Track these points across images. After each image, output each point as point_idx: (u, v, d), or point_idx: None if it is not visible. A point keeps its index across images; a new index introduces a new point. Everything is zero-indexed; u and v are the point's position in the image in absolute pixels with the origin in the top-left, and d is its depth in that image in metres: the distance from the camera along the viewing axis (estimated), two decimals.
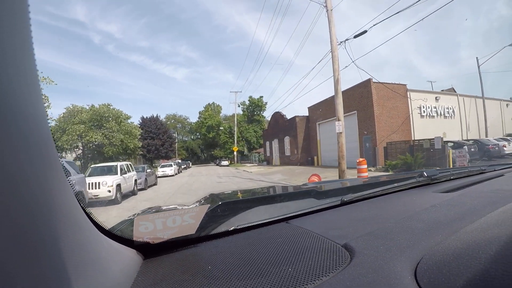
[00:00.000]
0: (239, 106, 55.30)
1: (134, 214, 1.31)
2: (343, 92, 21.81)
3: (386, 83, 18.43)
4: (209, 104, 74.43)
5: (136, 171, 14.82)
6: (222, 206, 1.03)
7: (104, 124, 26.22)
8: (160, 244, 0.74)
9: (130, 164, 13.59)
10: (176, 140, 78.45)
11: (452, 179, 1.61)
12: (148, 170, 16.37)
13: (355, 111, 19.34)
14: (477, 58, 24.43)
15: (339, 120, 10.74)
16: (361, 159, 11.76)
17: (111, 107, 27.38)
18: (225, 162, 49.88)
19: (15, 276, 0.31)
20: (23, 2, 0.37)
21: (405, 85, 19.20)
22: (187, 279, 0.59)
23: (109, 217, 7.47)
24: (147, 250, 0.75)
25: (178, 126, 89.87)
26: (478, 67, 24.35)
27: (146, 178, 15.00)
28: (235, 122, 52.56)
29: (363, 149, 18.79)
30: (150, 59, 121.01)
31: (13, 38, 0.35)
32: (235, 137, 51.97)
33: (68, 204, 0.46)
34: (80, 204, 0.54)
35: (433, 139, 14.25)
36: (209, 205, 0.94)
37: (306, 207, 1.07)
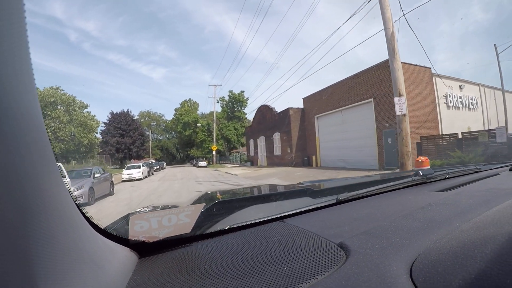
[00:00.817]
0: (218, 102, 50.51)
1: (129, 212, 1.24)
2: (354, 76, 17.94)
3: (411, 64, 14.76)
4: (185, 100, 67.45)
5: (77, 178, 10.10)
6: (217, 205, 1.02)
7: (49, 113, 19.72)
8: (156, 243, 0.73)
9: (58, 167, 8.79)
10: (150, 139, 72.65)
11: (447, 178, 1.60)
12: (98, 175, 11.35)
13: (371, 99, 15.54)
14: (495, 45, 21.59)
15: (400, 95, 6.67)
16: (422, 157, 7.81)
17: (61, 91, 21.13)
18: (203, 163, 44.59)
19: (9, 275, 0.31)
20: (18, 1, 0.37)
21: (430, 68, 15.63)
22: (182, 278, 0.59)
23: None
24: (143, 249, 0.75)
25: (152, 124, 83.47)
26: (497, 55, 21.44)
27: (91, 187, 10.03)
28: (214, 118, 46.90)
29: (383, 146, 14.97)
30: (128, 58, 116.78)
31: (9, 36, 0.35)
32: (214, 135, 46.54)
33: (63, 203, 0.46)
34: (75, 203, 0.54)
35: (493, 130, 10.63)
36: (204, 204, 0.93)
37: (302, 206, 1.06)
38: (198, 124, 54.48)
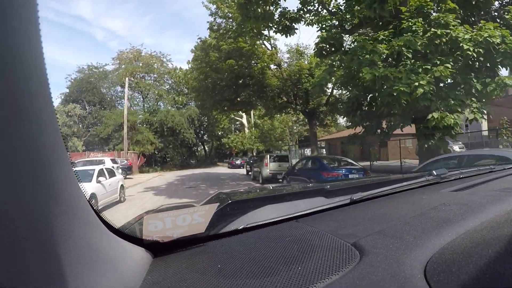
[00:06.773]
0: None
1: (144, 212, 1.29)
2: None
3: None
4: None
5: None
6: (231, 205, 1.03)
7: None
8: (170, 242, 0.73)
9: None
10: (125, 101, 28.75)
11: (461, 178, 1.60)
12: None
13: None
14: None
15: None
16: None
17: None
18: None
19: (26, 275, 0.32)
20: (31, 0, 0.37)
21: None
22: (196, 278, 0.59)
23: None
24: (157, 249, 0.75)
25: (150, 78, 38.10)
26: None
27: None
28: None
29: None
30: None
31: (22, 36, 0.35)
32: None
33: (77, 203, 0.46)
34: (90, 203, 0.54)
35: None
36: (218, 204, 0.93)
37: (316, 206, 1.05)
38: None
